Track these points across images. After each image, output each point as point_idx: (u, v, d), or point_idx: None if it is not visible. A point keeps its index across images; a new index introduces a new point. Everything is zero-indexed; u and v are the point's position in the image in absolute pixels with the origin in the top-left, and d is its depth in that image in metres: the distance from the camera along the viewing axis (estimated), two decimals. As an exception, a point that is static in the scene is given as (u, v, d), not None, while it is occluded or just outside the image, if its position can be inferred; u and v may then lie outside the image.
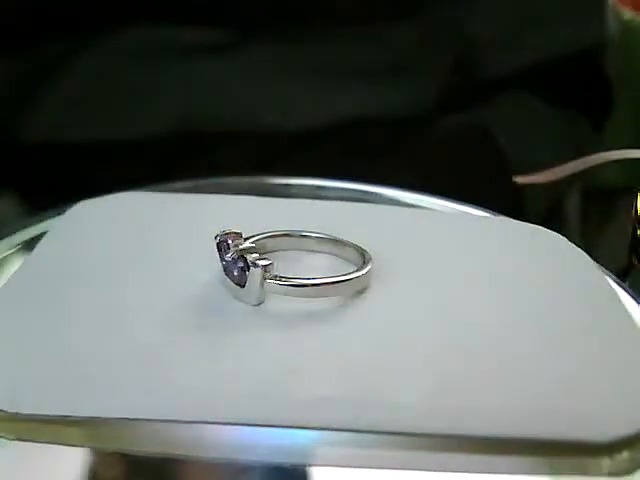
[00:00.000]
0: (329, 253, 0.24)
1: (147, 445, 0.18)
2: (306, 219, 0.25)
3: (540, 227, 0.27)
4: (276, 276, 0.21)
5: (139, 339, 0.20)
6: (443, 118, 0.46)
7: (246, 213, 0.26)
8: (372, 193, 0.31)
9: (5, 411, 0.18)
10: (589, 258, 0.25)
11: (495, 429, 0.17)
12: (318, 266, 0.24)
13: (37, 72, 0.43)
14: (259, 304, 0.21)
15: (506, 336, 0.21)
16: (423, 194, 0.30)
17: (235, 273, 0.22)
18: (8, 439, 0.18)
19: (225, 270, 0.22)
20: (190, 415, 0.18)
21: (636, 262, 0.25)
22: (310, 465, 0.18)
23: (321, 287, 0.21)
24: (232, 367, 0.19)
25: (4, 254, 0.25)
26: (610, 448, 0.17)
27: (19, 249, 0.26)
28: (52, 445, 0.18)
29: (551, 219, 0.48)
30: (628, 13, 0.58)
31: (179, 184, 0.30)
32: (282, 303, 0.22)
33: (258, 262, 0.21)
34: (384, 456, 0.18)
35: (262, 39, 0.44)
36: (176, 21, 0.43)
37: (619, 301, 0.23)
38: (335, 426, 0.18)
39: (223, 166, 0.31)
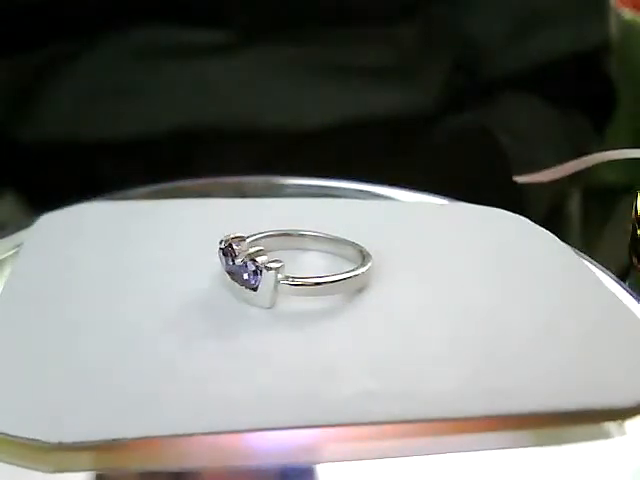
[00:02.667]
0: (324, 251, 0.24)
1: (200, 459, 0.17)
2: (287, 218, 0.25)
3: (500, 210, 0.28)
4: (287, 277, 0.21)
5: (161, 353, 0.19)
6: (444, 118, 0.46)
7: (230, 216, 0.26)
8: (372, 193, 0.31)
9: (42, 441, 0.17)
10: (554, 236, 0.26)
11: (530, 405, 0.18)
12: (317, 265, 0.24)
13: (38, 72, 0.43)
14: (271, 306, 0.21)
15: (509, 320, 0.22)
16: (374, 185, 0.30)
17: (245, 277, 0.21)
18: (46, 472, 0.16)
19: (232, 275, 0.22)
20: (245, 424, 0.17)
21: (636, 262, 0.25)
22: (362, 459, 0.18)
23: (332, 284, 0.22)
24: (268, 372, 0.19)
25: (4, 255, 0.25)
26: (632, 411, 0.19)
27: (19, 250, 0.25)
28: (96, 472, 0.17)
29: (552, 219, 0.48)
30: (628, 13, 0.58)
31: (179, 184, 0.30)
32: (291, 303, 0.21)
33: (271, 265, 0.21)
34: (430, 443, 0.18)
35: (262, 40, 0.44)
36: (177, 22, 0.43)
37: (594, 275, 0.24)
38: (384, 419, 0.18)
39: (223, 166, 0.31)
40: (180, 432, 0.17)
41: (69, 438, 0.17)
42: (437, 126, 0.46)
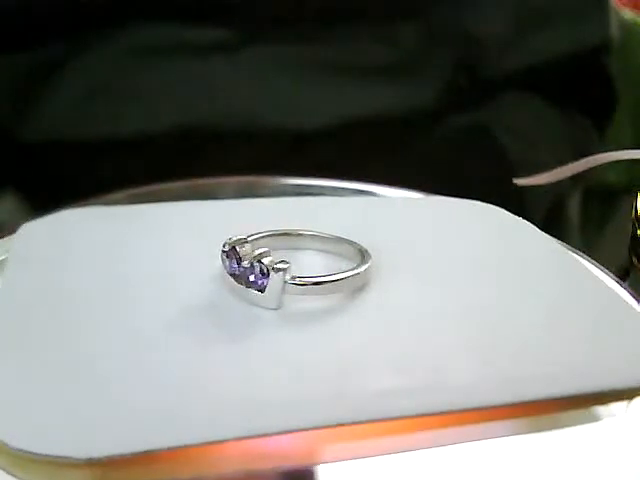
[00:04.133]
0: (320, 250, 0.24)
1: (234, 464, 0.17)
2: (270, 218, 0.25)
3: (478, 202, 0.29)
4: (293, 277, 0.21)
5: (178, 361, 0.19)
6: (444, 118, 0.46)
7: (224, 217, 0.26)
8: (372, 193, 0.31)
9: (71, 457, 0.16)
10: (534, 227, 0.27)
11: (547, 390, 0.19)
12: (316, 264, 0.24)
13: (37, 72, 0.43)
14: (279, 307, 0.21)
15: (510, 311, 0.22)
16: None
17: (252, 279, 0.21)
18: None
19: (236, 277, 0.22)
20: (277, 427, 0.17)
21: (636, 262, 0.25)
22: (395, 453, 0.18)
23: (336, 283, 0.22)
24: (289, 374, 0.19)
25: (4, 255, 0.25)
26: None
27: (4, 261, 0.25)
28: None
29: (552, 219, 0.48)
30: (628, 13, 0.58)
31: (179, 184, 0.30)
32: (296, 303, 0.22)
33: (279, 266, 0.21)
34: (457, 433, 0.19)
35: (262, 39, 0.44)
36: (177, 21, 0.43)
37: (579, 262, 0.25)
38: (413, 413, 0.18)
39: (223, 166, 0.31)
40: (212, 439, 0.17)
41: (98, 453, 0.16)
42: (437, 126, 0.46)
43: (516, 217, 0.28)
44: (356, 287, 0.22)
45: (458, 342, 0.21)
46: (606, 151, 0.27)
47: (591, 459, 0.19)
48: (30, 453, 0.16)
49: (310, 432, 0.17)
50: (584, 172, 0.29)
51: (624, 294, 0.24)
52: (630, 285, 0.24)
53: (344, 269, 0.22)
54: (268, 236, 0.24)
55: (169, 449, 0.16)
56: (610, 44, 0.50)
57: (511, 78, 0.48)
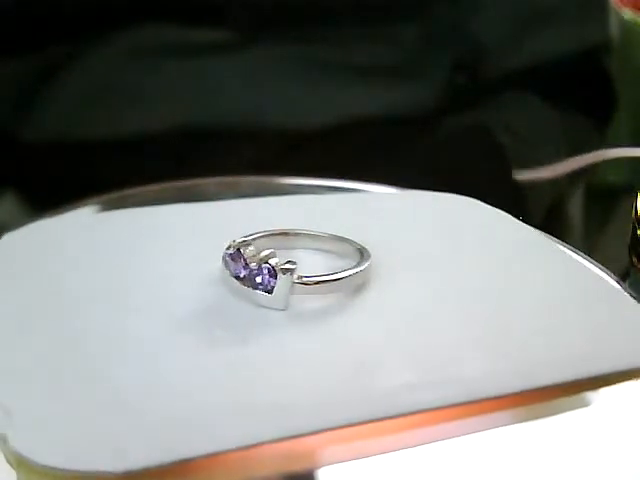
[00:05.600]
0: (316, 249, 0.25)
1: (267, 467, 0.17)
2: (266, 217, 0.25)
3: (451, 194, 0.29)
4: (300, 277, 0.21)
5: (197, 366, 0.19)
6: (444, 118, 0.46)
7: (218, 219, 0.26)
8: (371, 193, 0.31)
9: (108, 472, 0.16)
10: (509, 215, 0.27)
11: (562, 375, 0.20)
12: (315, 262, 0.24)
13: (38, 72, 0.43)
14: (286, 308, 0.21)
15: (508, 300, 0.23)
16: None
17: (258, 280, 0.21)
18: None
19: (242, 280, 0.21)
20: (306, 427, 0.17)
21: (636, 262, 0.25)
22: (419, 445, 0.18)
23: (341, 281, 0.22)
24: (308, 373, 0.19)
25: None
26: None
27: None
28: None
29: (552, 219, 0.48)
30: (628, 13, 0.58)
31: (179, 184, 0.30)
32: (301, 302, 0.22)
33: (287, 266, 0.21)
34: (475, 423, 0.19)
35: (263, 39, 0.44)
36: (177, 21, 0.43)
37: (558, 247, 0.26)
38: (434, 406, 0.18)
39: (223, 166, 0.31)
40: (246, 443, 0.17)
41: (135, 465, 0.16)
42: (437, 126, 0.46)
43: (494, 209, 0.28)
44: (359, 284, 0.23)
45: (465, 334, 0.21)
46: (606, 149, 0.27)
47: (598, 440, 0.19)
48: (64, 470, 0.16)
49: (340, 431, 0.18)
50: (584, 170, 0.29)
51: (624, 294, 0.24)
52: (630, 285, 0.24)
53: (344, 267, 0.22)
54: (265, 236, 0.24)
55: (205, 456, 0.16)
56: (610, 44, 0.50)
57: (511, 78, 0.48)
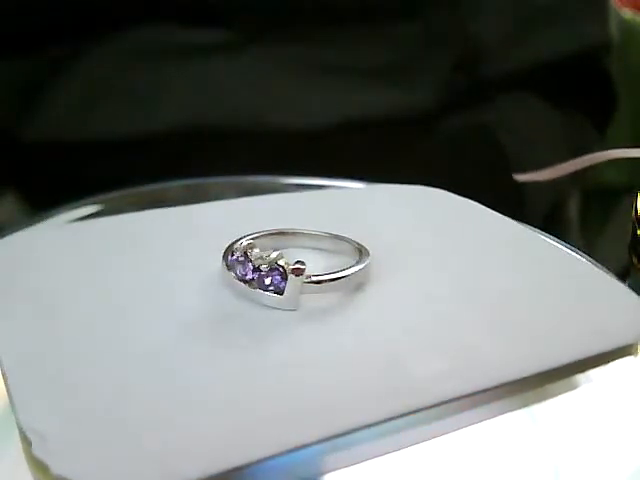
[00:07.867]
0: (313, 248, 0.25)
1: (313, 469, 0.17)
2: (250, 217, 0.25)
3: (422, 187, 0.29)
4: (308, 277, 0.21)
5: (221, 374, 0.19)
6: (444, 118, 0.46)
7: (214, 220, 0.26)
8: (341, 188, 0.31)
9: None
10: (482, 206, 0.28)
11: (571, 356, 0.20)
12: (315, 261, 0.24)
13: (38, 72, 0.43)
14: (297, 308, 0.21)
15: (505, 290, 0.23)
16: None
17: (267, 282, 0.21)
18: None
19: (248, 282, 0.21)
20: (347, 425, 0.17)
21: (636, 262, 0.25)
22: (455, 431, 0.19)
23: (346, 279, 0.22)
24: (337, 371, 0.19)
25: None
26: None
27: None
28: None
29: (552, 219, 0.48)
30: (628, 13, 0.58)
31: (179, 184, 0.30)
32: (308, 302, 0.22)
33: (297, 266, 0.21)
34: (502, 405, 0.19)
35: (263, 40, 0.44)
36: (177, 22, 0.43)
37: (534, 234, 0.27)
38: (468, 392, 0.19)
39: (223, 166, 0.31)
40: (290, 447, 0.17)
41: (188, 478, 0.16)
42: (437, 126, 0.46)
43: (465, 199, 0.28)
44: (362, 282, 0.23)
45: (477, 322, 0.21)
46: (606, 150, 0.27)
47: (597, 417, 0.20)
48: None
49: (380, 426, 0.18)
50: (583, 171, 0.29)
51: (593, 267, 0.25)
52: (630, 285, 0.24)
53: (343, 265, 0.22)
54: (263, 236, 0.24)
55: (246, 465, 0.16)
56: (610, 44, 0.50)
57: (511, 78, 0.48)
